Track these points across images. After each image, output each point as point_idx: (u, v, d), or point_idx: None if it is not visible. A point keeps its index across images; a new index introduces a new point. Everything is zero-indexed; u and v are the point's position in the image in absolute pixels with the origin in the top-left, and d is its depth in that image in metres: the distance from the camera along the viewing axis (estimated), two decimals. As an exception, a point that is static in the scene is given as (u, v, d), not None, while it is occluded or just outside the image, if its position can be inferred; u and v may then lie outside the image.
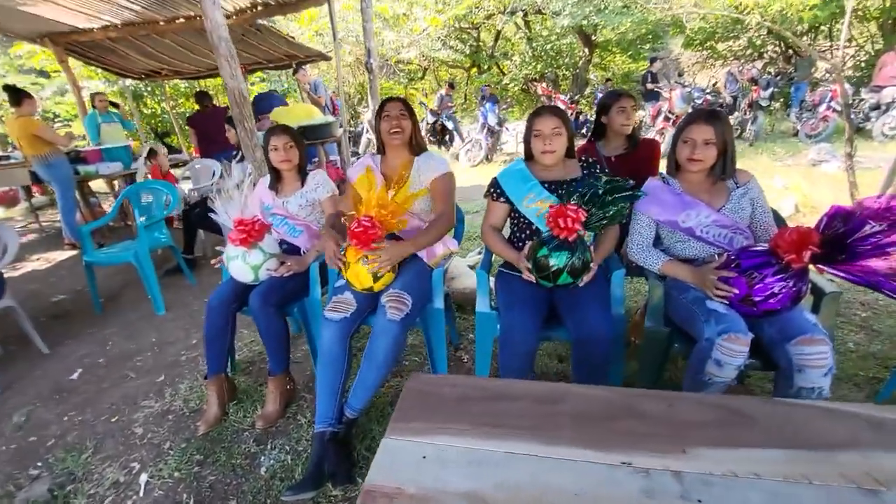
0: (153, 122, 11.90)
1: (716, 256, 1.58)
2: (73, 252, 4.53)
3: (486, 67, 14.14)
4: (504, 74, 14.44)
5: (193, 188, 4.57)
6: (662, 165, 1.81)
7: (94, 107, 5.22)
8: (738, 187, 1.59)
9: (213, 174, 4.54)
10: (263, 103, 5.40)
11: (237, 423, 1.86)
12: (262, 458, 1.69)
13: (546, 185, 1.71)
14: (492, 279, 1.89)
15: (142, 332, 2.79)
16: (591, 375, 1.47)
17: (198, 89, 11.70)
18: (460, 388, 0.93)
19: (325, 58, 7.16)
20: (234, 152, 3.67)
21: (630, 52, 13.43)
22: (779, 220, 1.70)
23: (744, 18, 3.80)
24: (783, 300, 1.28)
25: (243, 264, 1.79)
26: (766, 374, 1.81)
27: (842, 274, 1.21)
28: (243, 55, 6.65)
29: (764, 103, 7.95)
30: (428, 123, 9.12)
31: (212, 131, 5.15)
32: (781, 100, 10.12)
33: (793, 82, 9.21)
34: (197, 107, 5.67)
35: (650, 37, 12.15)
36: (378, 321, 1.59)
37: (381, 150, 1.97)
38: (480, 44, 13.64)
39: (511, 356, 1.50)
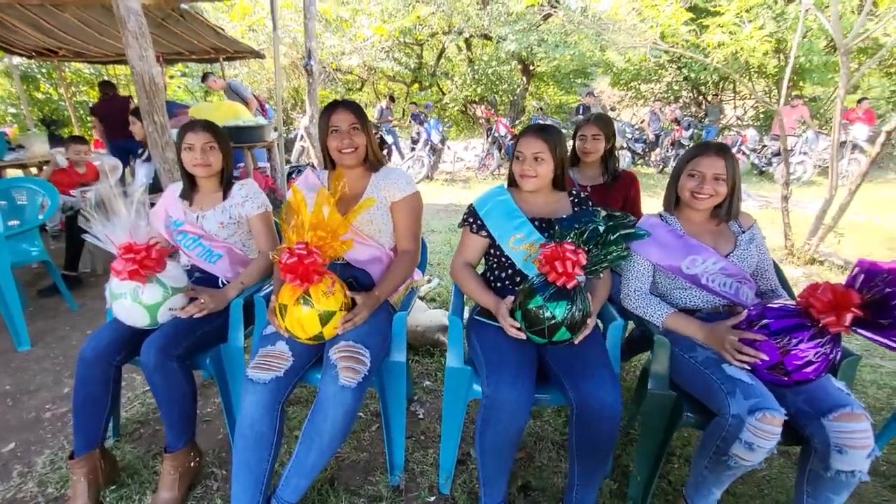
0: (46, 109, 10.35)
1: (721, 309, 1.41)
2: None
3: (427, 85, 14.07)
4: (444, 94, 14.47)
5: (86, 189, 3.80)
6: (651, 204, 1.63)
7: None
8: (743, 232, 1.43)
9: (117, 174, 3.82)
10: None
11: (115, 519, 1.36)
12: (149, 574, 1.21)
13: (535, 223, 1.44)
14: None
15: (-9, 375, 2.12)
16: (596, 454, 1.20)
17: (104, 77, 10.40)
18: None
19: (258, 55, 6.56)
20: (141, 149, 3.06)
21: (563, 85, 14.10)
22: (778, 272, 1.56)
23: (715, 59, 3.95)
24: (819, 369, 1.11)
25: (134, 304, 1.32)
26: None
27: (884, 341, 1.05)
28: (162, 42, 5.88)
29: (685, 142, 8.60)
30: (367, 136, 8.73)
31: (115, 122, 4.44)
32: (695, 140, 11.09)
33: (704, 126, 10.10)
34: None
35: (582, 72, 12.84)
36: (326, 386, 1.20)
37: (328, 164, 1.61)
38: (423, 61, 13.57)
39: (496, 434, 1.19)
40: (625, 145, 8.75)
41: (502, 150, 9.63)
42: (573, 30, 6.88)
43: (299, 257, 1.19)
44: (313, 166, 1.52)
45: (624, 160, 8.45)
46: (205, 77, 5.81)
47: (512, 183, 1.55)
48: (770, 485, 1.53)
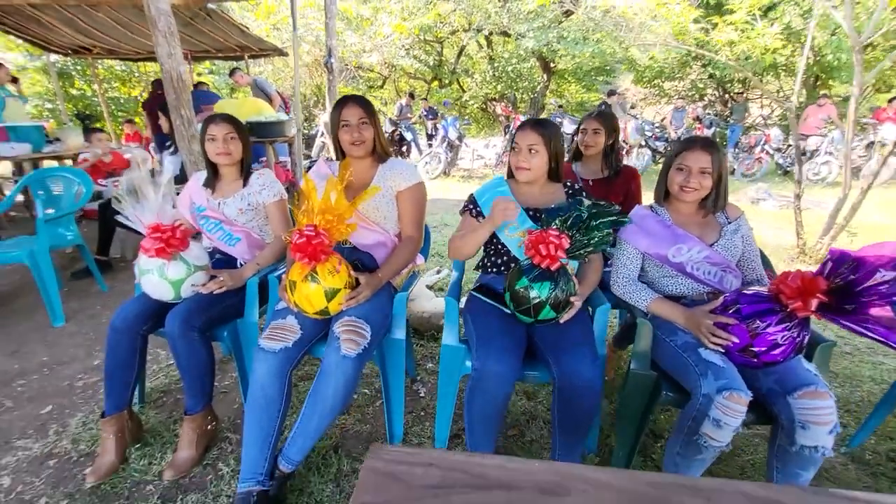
0: (80, 105, 10.81)
1: (705, 296, 1.47)
2: (-42, 244, 3.84)
3: (447, 82, 14.15)
4: (464, 91, 14.53)
5: (115, 178, 4.02)
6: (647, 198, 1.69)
7: None
8: (729, 223, 1.48)
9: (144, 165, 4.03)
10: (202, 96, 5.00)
11: (139, 472, 1.50)
12: (168, 521, 1.35)
13: (530, 213, 1.53)
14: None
15: (30, 347, 2.31)
16: (577, 428, 1.29)
17: (135, 74, 10.79)
18: (439, 470, 0.70)
19: (282, 53, 6.75)
20: (168, 142, 3.25)
21: (584, 83, 13.97)
22: (764, 260, 1.61)
23: (724, 56, 3.93)
24: (786, 351, 1.17)
25: (160, 280, 1.46)
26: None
27: (850, 325, 1.11)
28: (190, 40, 6.13)
29: (707, 141, 8.43)
30: (387, 133, 8.88)
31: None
32: (719, 139, 10.88)
33: (729, 125, 9.90)
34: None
35: (604, 70, 12.70)
36: (329, 356, 1.32)
37: (339, 155, 1.72)
38: (443, 58, 13.66)
39: (483, 402, 1.28)
40: (643, 143, 8.65)
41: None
42: (592, 27, 6.84)
43: (308, 238, 1.30)
44: (329, 159, 1.62)
45: (643, 158, 8.37)
46: (232, 72, 6.03)
47: (511, 175, 1.64)
48: (754, 469, 1.59)
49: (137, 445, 1.61)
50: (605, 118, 2.10)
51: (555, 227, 1.32)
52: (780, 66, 10.28)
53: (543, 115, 12.58)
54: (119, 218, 1.45)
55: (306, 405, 1.33)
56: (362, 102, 1.62)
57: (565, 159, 2.21)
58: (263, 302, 1.72)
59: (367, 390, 1.97)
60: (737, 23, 3.53)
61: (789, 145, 8.30)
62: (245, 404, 1.51)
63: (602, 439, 1.65)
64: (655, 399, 1.37)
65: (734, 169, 8.62)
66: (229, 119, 1.74)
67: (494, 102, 13.27)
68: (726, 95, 12.74)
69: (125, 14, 5.15)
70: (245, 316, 1.64)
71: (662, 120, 10.45)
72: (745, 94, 11.26)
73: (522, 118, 9.33)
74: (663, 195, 1.53)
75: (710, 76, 11.71)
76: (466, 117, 13.41)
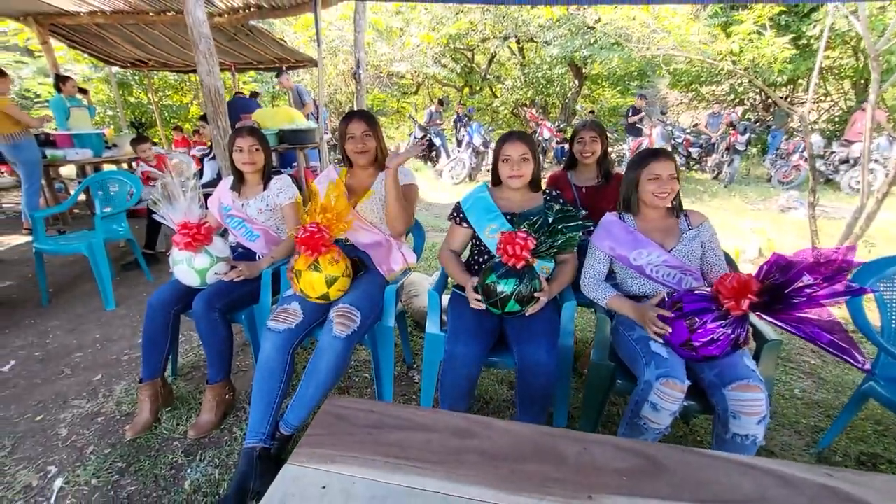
0: (137, 112, 11.68)
1: (665, 296, 1.59)
2: (31, 238, 4.35)
3: (478, 89, 14.33)
4: (496, 97, 14.66)
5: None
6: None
7: (58, 90, 5.02)
8: (689, 229, 1.60)
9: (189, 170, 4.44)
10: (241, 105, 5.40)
11: (168, 430, 1.78)
12: (189, 470, 1.60)
13: (509, 217, 1.70)
14: (446, 298, 1.87)
15: (86, 327, 2.67)
16: (533, 405, 1.45)
17: (185, 84, 11.56)
18: (377, 415, 0.89)
19: (315, 63, 7.14)
20: (208, 150, 3.60)
21: (619, 88, 13.80)
22: (730, 263, 1.72)
23: (720, 67, 3.93)
24: (722, 346, 1.29)
25: (189, 268, 1.73)
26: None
27: (779, 323, 1.22)
28: (234, 54, 6.62)
29: (740, 147, 8.20)
30: (416, 138, 9.15)
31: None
32: (759, 146, 10.52)
33: (770, 130, 9.57)
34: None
35: (638, 74, 12.52)
36: (323, 337, 1.54)
37: (347, 163, 1.95)
38: (474, 65, 13.85)
39: (452, 380, 1.47)
40: (669, 149, 8.50)
41: (549, 154, 9.71)
42: (614, 35, 6.84)
43: (311, 233, 1.53)
44: (338, 164, 1.87)
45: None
46: (278, 74, 6.48)
47: (496, 183, 1.81)
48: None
49: (168, 409, 1.89)
50: (599, 126, 2.23)
51: (524, 229, 1.48)
52: (826, 70, 9.87)
53: (574, 121, 12.57)
54: (155, 217, 1.73)
55: (303, 379, 1.56)
56: (366, 117, 1.85)
57: (561, 167, 2.37)
58: (277, 291, 1.97)
59: (367, 375, 2.19)
60: (743, 33, 3.54)
61: (832, 152, 7.98)
62: (254, 375, 1.75)
63: (571, 426, 1.80)
64: (612, 386, 1.51)
65: (770, 176, 8.37)
66: (252, 132, 2.01)
67: (525, 108, 13.34)
68: (769, 99, 12.27)
69: (177, 31, 5.65)
70: (260, 302, 1.89)
71: (696, 125, 10.22)
72: (790, 98, 10.86)
73: (549, 124, 9.41)
74: (632, 205, 1.66)
75: (750, 81, 11.35)
76: (497, 123, 13.54)
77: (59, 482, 1.56)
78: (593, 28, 9.12)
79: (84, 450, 1.70)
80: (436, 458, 0.79)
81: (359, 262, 1.84)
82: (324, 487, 0.74)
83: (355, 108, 5.44)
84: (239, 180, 2.09)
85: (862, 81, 10.30)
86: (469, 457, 0.79)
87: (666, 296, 1.44)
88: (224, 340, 1.78)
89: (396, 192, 1.73)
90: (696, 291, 1.38)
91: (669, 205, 1.59)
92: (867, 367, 1.24)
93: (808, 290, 1.19)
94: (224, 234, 2.11)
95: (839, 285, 1.15)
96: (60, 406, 1.96)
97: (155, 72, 8.79)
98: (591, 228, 1.63)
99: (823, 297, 1.16)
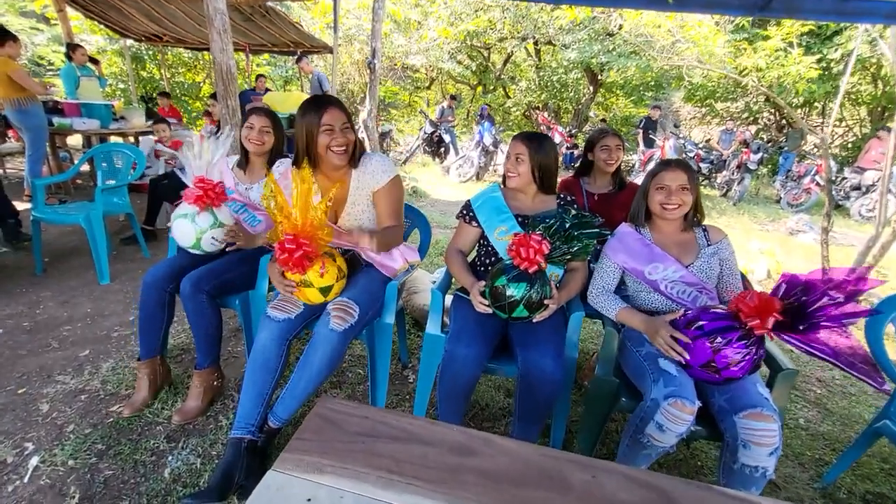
0: (149, 87, 11.62)
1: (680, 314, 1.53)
2: (30, 205, 4.30)
3: (492, 88, 14.25)
4: (508, 98, 14.58)
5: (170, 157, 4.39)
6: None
7: (69, 59, 4.94)
8: (709, 245, 1.54)
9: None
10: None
11: (153, 414, 1.72)
12: (170, 457, 1.54)
13: (520, 220, 1.64)
14: (449, 298, 1.81)
15: (79, 300, 2.61)
16: (533, 415, 1.40)
17: (199, 62, 11.47)
18: (371, 422, 0.83)
19: (331, 50, 7.08)
20: (216, 128, 3.54)
21: (633, 97, 13.70)
22: (746, 283, 1.65)
23: (743, 83, 3.86)
24: (745, 367, 1.22)
25: (189, 224, 1.67)
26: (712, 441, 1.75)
27: (799, 344, 1.16)
28: (249, 34, 6.55)
29: (752, 166, 8.11)
30: (426, 133, 9.07)
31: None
32: (770, 166, 10.42)
33: (782, 151, 9.47)
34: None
35: (654, 85, 12.42)
36: (319, 329, 1.48)
37: (302, 160, 1.57)
38: (490, 64, 13.76)
39: (450, 384, 1.41)
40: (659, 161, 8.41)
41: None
42: (635, 42, 6.75)
43: (289, 252, 1.37)
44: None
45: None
46: (300, 58, 6.41)
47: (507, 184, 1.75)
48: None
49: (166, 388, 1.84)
50: (619, 134, 2.19)
51: (538, 232, 1.42)
52: (850, 95, 9.78)
53: (586, 128, 12.49)
54: (176, 171, 1.70)
55: (296, 370, 1.49)
56: (340, 104, 1.54)
57: (571, 173, 2.31)
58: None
59: (361, 371, 2.13)
60: (770, 49, 3.46)
61: (844, 178, 7.89)
62: (246, 364, 1.69)
63: (569, 440, 1.74)
64: (615, 404, 1.45)
65: (780, 197, 8.28)
66: (268, 114, 1.95)
67: (537, 111, 13.26)
68: (783, 120, 12.17)
69: (194, 6, 5.58)
70: (256, 288, 1.83)
71: (708, 141, 10.13)
72: (805, 119, 10.75)
73: (560, 128, 9.34)
74: (643, 217, 1.59)
75: (766, 99, 11.24)
76: (507, 124, 13.46)
77: (34, 460, 1.50)
78: (613, 35, 9.03)
79: (64, 428, 1.65)
80: (432, 476, 0.72)
81: (356, 257, 1.77)
82: (309, 500, 0.68)
83: (367, 101, 5.38)
84: (245, 160, 2.02)
85: (879, 108, 10.21)
86: (468, 476, 0.73)
87: (678, 310, 1.38)
88: (212, 325, 1.72)
89: (381, 242, 1.48)
90: (713, 309, 1.31)
91: (675, 217, 1.52)
92: (886, 387, 1.19)
93: (830, 310, 1.14)
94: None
95: (857, 306, 1.11)
96: (44, 380, 1.90)
97: (169, 47, 8.71)
98: (607, 237, 1.57)
99: (844, 317, 1.10)
